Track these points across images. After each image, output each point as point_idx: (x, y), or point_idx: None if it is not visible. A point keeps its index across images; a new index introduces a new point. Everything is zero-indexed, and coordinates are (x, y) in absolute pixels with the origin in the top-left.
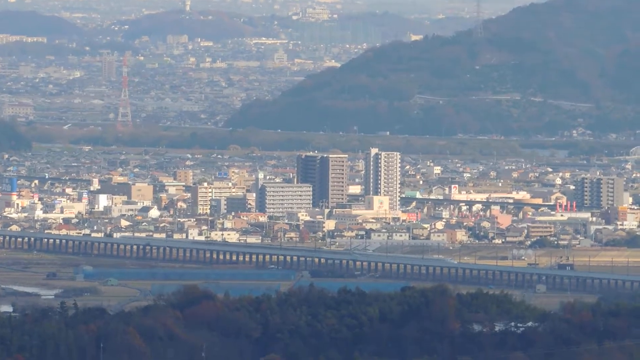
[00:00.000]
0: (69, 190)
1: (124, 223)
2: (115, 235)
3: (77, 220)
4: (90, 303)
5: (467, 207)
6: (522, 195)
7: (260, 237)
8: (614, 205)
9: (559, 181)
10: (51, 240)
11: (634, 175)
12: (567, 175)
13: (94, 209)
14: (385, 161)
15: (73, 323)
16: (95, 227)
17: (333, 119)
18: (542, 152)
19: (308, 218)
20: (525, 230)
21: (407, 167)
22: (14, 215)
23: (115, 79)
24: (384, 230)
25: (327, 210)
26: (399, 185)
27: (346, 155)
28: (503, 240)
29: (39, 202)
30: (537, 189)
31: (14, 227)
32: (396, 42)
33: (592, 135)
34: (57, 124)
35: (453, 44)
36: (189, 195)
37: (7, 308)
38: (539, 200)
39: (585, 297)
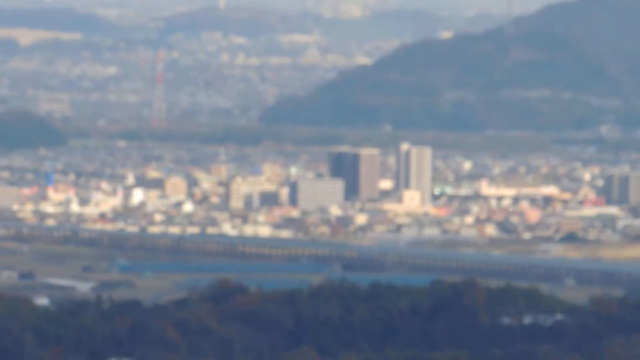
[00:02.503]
0: (104, 185)
1: (157, 217)
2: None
3: (113, 215)
4: (125, 296)
5: (497, 202)
6: (551, 190)
7: (293, 232)
8: None
9: (587, 177)
10: (87, 234)
11: None
12: (596, 170)
13: (128, 203)
14: (416, 156)
15: (108, 315)
16: (130, 221)
17: (365, 115)
18: (572, 148)
19: (340, 213)
20: (554, 226)
21: (438, 162)
22: (50, 209)
23: (150, 75)
24: (414, 225)
25: (358, 205)
26: (429, 181)
27: (377, 151)
28: (532, 235)
29: (75, 196)
30: (566, 184)
31: (50, 221)
32: (427, 39)
33: (621, 131)
34: (92, 119)
35: (483, 41)
36: (222, 190)
37: (44, 301)
38: (568, 195)
39: (613, 290)
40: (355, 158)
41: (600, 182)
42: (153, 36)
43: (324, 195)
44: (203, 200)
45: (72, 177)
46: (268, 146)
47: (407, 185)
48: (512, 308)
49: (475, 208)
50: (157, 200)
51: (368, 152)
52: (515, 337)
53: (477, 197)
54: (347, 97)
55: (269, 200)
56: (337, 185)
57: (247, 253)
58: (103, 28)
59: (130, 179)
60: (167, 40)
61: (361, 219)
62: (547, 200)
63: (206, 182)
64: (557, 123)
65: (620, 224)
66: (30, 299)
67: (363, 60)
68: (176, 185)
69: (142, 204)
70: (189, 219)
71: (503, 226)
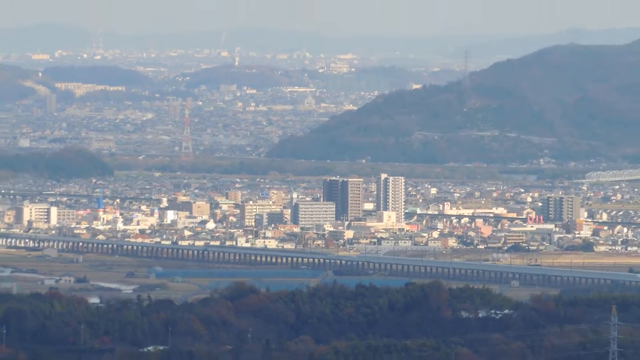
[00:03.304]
0: (143, 207)
1: (186, 233)
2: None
3: (150, 231)
4: (160, 296)
5: (457, 220)
6: (500, 210)
7: (294, 244)
8: (573, 219)
9: (529, 199)
10: (130, 247)
11: (588, 194)
12: (536, 194)
13: (163, 222)
14: (392, 184)
15: (147, 312)
16: (164, 236)
17: (351, 151)
18: (516, 177)
19: (332, 229)
20: (503, 238)
21: (410, 188)
22: (100, 227)
23: (179, 120)
24: (391, 238)
25: (346, 223)
26: (403, 203)
27: (362, 180)
28: (485, 246)
29: (120, 216)
30: (512, 205)
31: (100, 236)
32: (401, 90)
33: (555, 163)
34: (134, 155)
35: (446, 91)
36: (238, 211)
37: (95, 300)
38: (514, 215)
39: (549, 290)
40: (344, 185)
41: (539, 204)
42: (182, 88)
43: (320, 215)
44: (223, 219)
45: (117, 201)
46: (274, 176)
47: (385, 207)
48: (469, 304)
49: (440, 225)
50: (185, 220)
51: (354, 181)
52: (471, 327)
53: (441, 216)
54: (337, 137)
55: (275, 219)
56: (330, 207)
57: (258, 261)
58: (142, 82)
59: (164, 203)
60: (193, 92)
61: (349, 233)
62: (497, 218)
63: (225, 205)
64: (505, 157)
65: (556, 237)
66: (84, 298)
67: (349, 107)
68: (201, 208)
69: (173, 223)
70: (212, 234)
71: (462, 239)
